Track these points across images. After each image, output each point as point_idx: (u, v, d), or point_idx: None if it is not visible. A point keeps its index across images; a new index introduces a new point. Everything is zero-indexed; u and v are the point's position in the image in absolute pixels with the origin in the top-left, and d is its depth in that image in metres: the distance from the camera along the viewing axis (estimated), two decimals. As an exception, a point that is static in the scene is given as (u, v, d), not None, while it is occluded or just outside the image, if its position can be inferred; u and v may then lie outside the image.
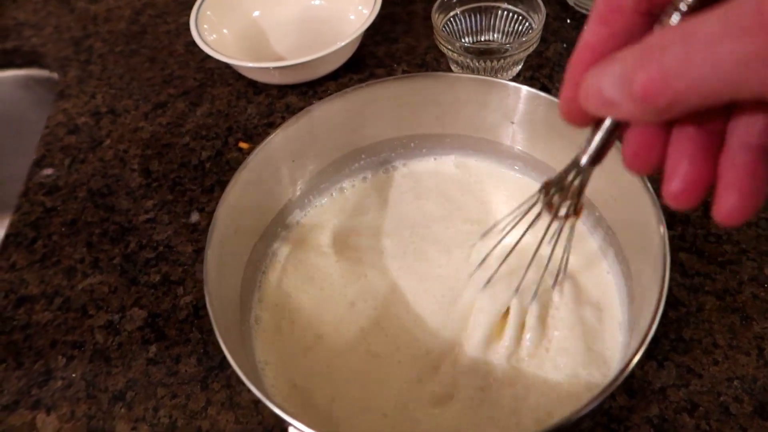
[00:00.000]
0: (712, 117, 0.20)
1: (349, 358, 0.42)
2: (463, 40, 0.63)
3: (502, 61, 0.57)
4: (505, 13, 0.62)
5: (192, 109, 0.63)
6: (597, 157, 0.25)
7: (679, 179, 0.20)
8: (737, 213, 0.19)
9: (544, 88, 0.60)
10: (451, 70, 0.62)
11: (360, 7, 0.65)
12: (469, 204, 0.49)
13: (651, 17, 0.19)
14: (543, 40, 0.63)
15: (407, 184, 0.51)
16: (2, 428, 0.44)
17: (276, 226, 0.48)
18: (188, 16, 0.63)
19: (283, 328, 0.44)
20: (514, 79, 0.61)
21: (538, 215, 0.33)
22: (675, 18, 0.18)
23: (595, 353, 0.40)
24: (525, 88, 0.44)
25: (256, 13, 0.68)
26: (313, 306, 0.45)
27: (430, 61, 0.64)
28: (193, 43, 0.61)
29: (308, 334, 0.43)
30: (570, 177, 0.28)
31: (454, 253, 0.46)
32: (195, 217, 0.54)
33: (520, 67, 0.61)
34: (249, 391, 0.33)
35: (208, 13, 0.64)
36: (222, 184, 0.56)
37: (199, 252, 0.51)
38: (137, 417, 0.43)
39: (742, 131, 0.19)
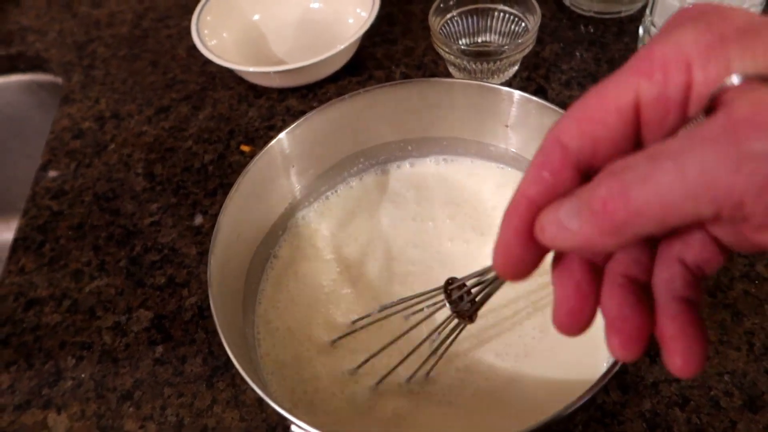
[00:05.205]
0: (640, 263, 0.20)
1: (353, 358, 0.43)
2: (460, 42, 0.64)
3: (498, 62, 0.58)
4: (502, 14, 0.63)
5: (194, 113, 0.64)
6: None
7: (627, 330, 0.20)
8: (695, 361, 0.19)
9: (540, 89, 0.61)
10: (448, 72, 0.63)
11: (358, 10, 0.66)
12: (465, 205, 0.50)
13: (586, 178, 0.18)
14: (539, 40, 0.64)
15: (405, 186, 0.52)
16: (15, 427, 0.45)
17: (277, 229, 0.49)
18: (189, 20, 0.64)
19: (285, 327, 0.45)
20: (511, 80, 0.62)
21: (440, 306, 0.34)
22: None
23: (589, 349, 0.41)
24: (517, 93, 0.45)
25: (256, 17, 0.69)
26: (314, 307, 0.46)
27: (428, 62, 0.65)
28: (195, 47, 0.62)
29: (310, 334, 0.45)
30: (479, 282, 0.27)
31: (451, 253, 0.47)
32: (199, 219, 0.55)
33: (516, 68, 0.62)
34: (253, 389, 0.34)
35: (209, 17, 0.65)
36: (224, 187, 0.57)
37: (204, 254, 0.52)
38: (145, 416, 0.44)
39: (666, 284, 0.20)
